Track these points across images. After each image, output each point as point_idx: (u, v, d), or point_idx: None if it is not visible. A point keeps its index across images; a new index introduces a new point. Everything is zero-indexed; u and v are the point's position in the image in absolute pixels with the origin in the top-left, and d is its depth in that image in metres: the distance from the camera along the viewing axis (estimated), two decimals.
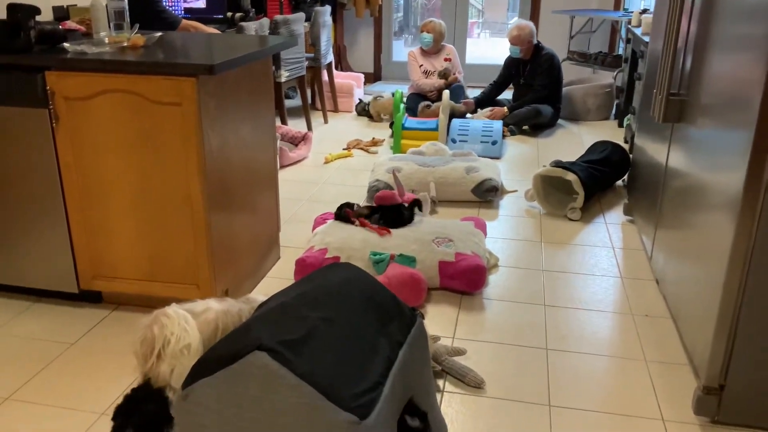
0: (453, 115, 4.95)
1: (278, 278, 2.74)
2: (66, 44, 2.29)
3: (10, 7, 2.20)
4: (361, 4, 6.55)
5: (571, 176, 3.38)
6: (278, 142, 4.16)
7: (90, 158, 2.22)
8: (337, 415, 1.27)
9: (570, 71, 5.97)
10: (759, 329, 1.73)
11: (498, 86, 5.41)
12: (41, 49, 2.25)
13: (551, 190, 3.54)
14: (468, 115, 5.21)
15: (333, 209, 3.06)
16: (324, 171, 4.15)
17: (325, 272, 1.72)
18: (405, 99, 5.24)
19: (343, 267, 1.76)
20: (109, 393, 1.98)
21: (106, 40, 2.39)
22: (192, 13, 4.67)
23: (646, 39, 3.75)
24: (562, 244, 3.08)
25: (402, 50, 7.36)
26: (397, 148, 4.51)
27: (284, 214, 3.39)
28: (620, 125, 5.21)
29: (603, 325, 2.38)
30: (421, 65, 5.47)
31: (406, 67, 5.61)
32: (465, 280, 2.56)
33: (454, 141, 4.54)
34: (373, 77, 7.09)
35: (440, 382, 2.05)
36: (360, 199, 3.58)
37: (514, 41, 5.12)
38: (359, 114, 5.61)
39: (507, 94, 5.48)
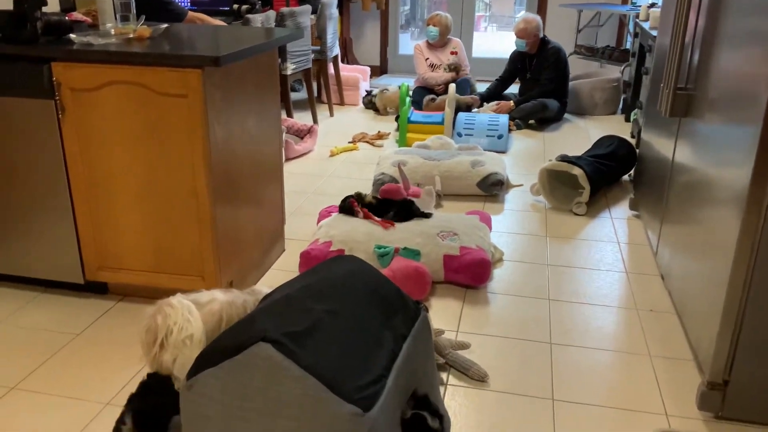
0: (459, 107, 4.94)
1: (283, 270, 2.74)
2: (72, 35, 2.29)
3: None
4: None
5: (577, 171, 3.37)
6: (284, 134, 4.17)
7: (96, 150, 2.23)
8: (340, 407, 1.27)
9: (577, 65, 5.94)
10: (764, 325, 1.73)
11: (503, 82, 5.39)
12: (47, 41, 2.26)
13: (557, 184, 3.53)
14: (474, 109, 5.20)
15: (338, 202, 3.06)
16: (329, 164, 4.15)
17: (330, 265, 1.72)
18: (411, 92, 5.23)
19: (348, 260, 1.76)
20: (114, 383, 1.99)
21: (113, 32, 2.39)
22: (198, 5, 4.66)
23: (654, 33, 3.73)
24: (567, 239, 3.07)
25: (408, 43, 7.34)
26: (402, 142, 4.51)
27: (289, 207, 3.39)
28: (627, 120, 5.19)
29: (607, 320, 2.38)
30: (427, 58, 5.45)
31: (412, 61, 5.59)
32: (469, 273, 2.56)
33: (459, 135, 4.53)
34: (379, 70, 7.07)
35: (444, 376, 2.05)
36: (365, 192, 3.57)
37: (520, 34, 5.10)
38: (366, 106, 5.60)
39: (513, 88, 5.46)
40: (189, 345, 1.72)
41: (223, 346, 1.39)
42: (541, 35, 5.15)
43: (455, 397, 1.95)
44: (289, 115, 4.90)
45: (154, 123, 2.15)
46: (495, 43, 8.60)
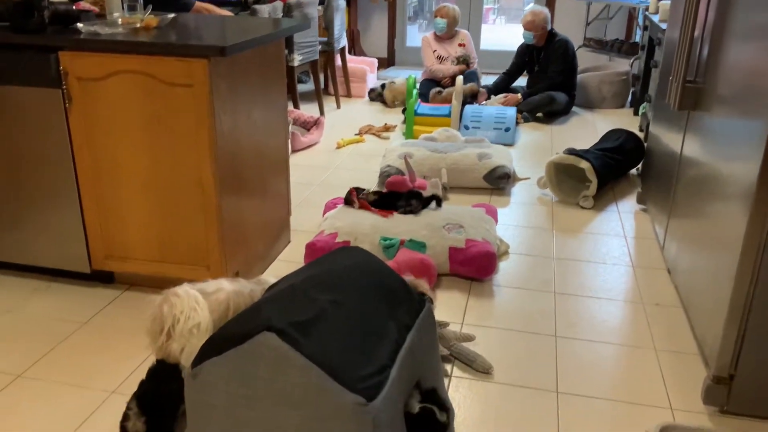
0: (465, 98, 4.91)
1: (288, 262, 2.75)
2: (79, 25, 2.29)
3: None
4: None
5: (584, 164, 3.35)
6: (290, 126, 4.16)
7: (102, 139, 2.23)
8: (344, 396, 1.27)
9: (586, 58, 5.91)
10: None
11: (510, 75, 5.36)
12: (55, 30, 2.26)
13: (564, 177, 3.52)
14: (479, 100, 5.18)
15: (344, 194, 3.06)
16: (336, 156, 4.15)
17: (335, 256, 1.72)
18: (418, 85, 5.21)
19: (353, 251, 1.76)
20: (120, 372, 2.00)
21: (120, 21, 2.39)
22: None
23: (664, 26, 3.70)
24: (573, 232, 3.06)
25: (416, 35, 7.32)
26: (409, 134, 4.50)
27: (295, 199, 3.39)
28: (636, 113, 5.16)
29: (613, 314, 2.37)
30: (435, 50, 5.43)
31: (419, 53, 5.57)
32: (475, 266, 2.56)
33: (466, 127, 4.51)
34: (386, 62, 7.05)
35: (448, 367, 2.05)
36: (371, 184, 3.57)
37: (528, 27, 5.08)
38: (373, 99, 5.59)
39: (521, 81, 5.43)
40: (196, 334, 1.72)
41: (227, 335, 1.39)
42: (549, 28, 5.12)
43: (459, 389, 1.95)
44: (296, 106, 4.89)
45: (160, 113, 2.15)
46: (503, 35, 8.56)
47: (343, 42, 5.48)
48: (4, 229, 2.45)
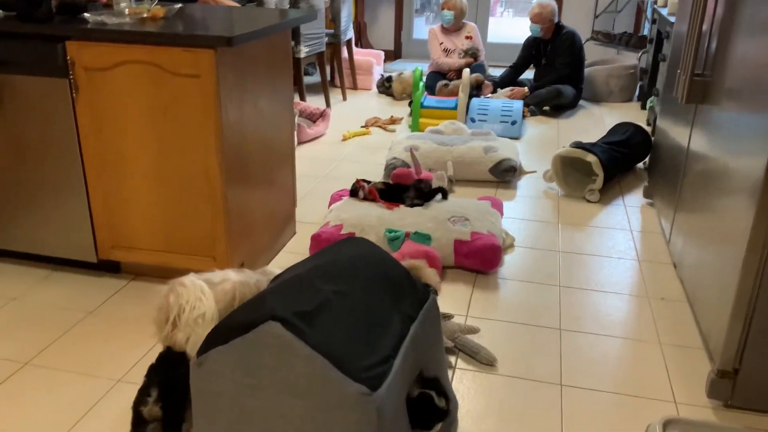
0: (470, 89, 4.89)
1: (294, 253, 2.75)
2: (86, 14, 2.30)
3: None
4: None
5: (591, 157, 3.34)
6: (296, 118, 4.16)
7: (109, 129, 2.24)
8: (348, 385, 1.28)
9: (594, 51, 5.88)
10: None
11: (517, 69, 5.34)
12: (62, 19, 2.26)
13: (570, 171, 3.51)
14: (484, 91, 5.16)
15: (350, 186, 3.06)
16: (341, 148, 4.15)
17: (340, 247, 1.73)
18: (424, 77, 5.20)
19: (358, 242, 1.76)
20: (125, 360, 2.01)
21: (127, 11, 2.39)
22: None
23: (672, 19, 3.67)
24: (579, 226, 3.06)
25: (423, 28, 7.29)
26: (415, 127, 4.49)
27: (301, 190, 3.39)
28: (643, 107, 5.14)
29: (618, 307, 2.37)
30: (442, 43, 5.41)
31: (426, 45, 5.56)
32: (480, 258, 2.56)
33: (473, 120, 4.50)
34: (393, 55, 7.04)
35: (452, 359, 2.05)
36: (377, 176, 3.57)
37: (534, 19, 5.05)
38: (380, 90, 5.58)
39: (528, 74, 5.41)
40: (201, 324, 1.73)
41: (233, 324, 1.40)
42: (556, 20, 5.09)
43: (463, 381, 1.96)
44: (302, 98, 4.89)
45: (166, 103, 2.15)
46: (511, 28, 8.52)
47: (350, 34, 5.47)
48: (11, 217, 2.46)
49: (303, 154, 3.99)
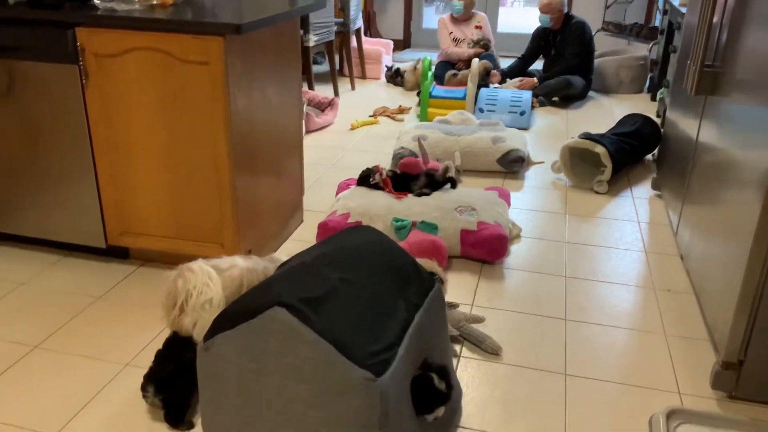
0: (480, 79, 4.87)
1: (301, 241, 2.76)
2: (96, 1, 2.30)
3: None
4: None
5: (599, 149, 3.33)
6: (305, 107, 4.17)
7: (118, 115, 2.25)
8: (353, 371, 1.29)
9: (604, 42, 5.84)
10: None
11: (526, 60, 5.31)
12: (72, 6, 2.27)
13: (579, 162, 3.50)
14: (497, 85, 5.15)
15: (357, 175, 3.07)
16: (349, 137, 4.15)
17: (346, 235, 1.73)
18: (433, 67, 5.19)
19: (364, 230, 1.77)
20: (133, 345, 2.04)
21: None
22: None
23: (684, 10, 3.64)
24: (587, 217, 3.05)
25: (432, 17, 7.26)
26: (423, 116, 4.48)
27: (308, 179, 3.40)
28: (653, 99, 5.11)
29: (624, 299, 2.37)
30: (451, 33, 5.39)
31: (436, 35, 5.54)
32: (486, 248, 2.56)
33: (481, 110, 4.49)
34: (402, 44, 7.02)
35: (457, 348, 2.06)
36: (384, 166, 3.57)
37: (544, 9, 5.02)
38: (388, 81, 5.57)
39: (538, 65, 5.39)
40: (208, 309, 1.75)
41: (239, 310, 1.41)
42: (566, 11, 5.06)
43: (467, 369, 1.97)
44: (311, 87, 4.89)
45: (175, 90, 2.16)
46: (521, 18, 8.47)
47: (359, 23, 5.46)
48: (21, 203, 2.48)
49: (311, 143, 4.00)
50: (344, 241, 1.68)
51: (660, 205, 3.19)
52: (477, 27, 5.39)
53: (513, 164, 3.50)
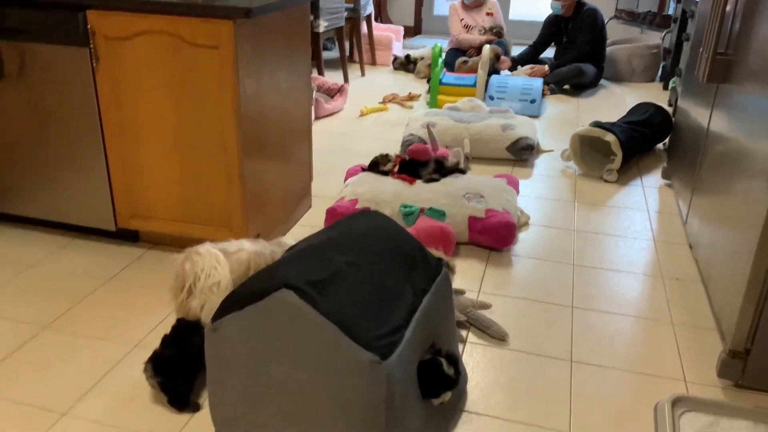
0: (490, 66, 4.84)
1: (309, 226, 2.77)
2: None
3: None
4: None
5: (610, 137, 3.32)
6: (314, 93, 4.16)
7: (129, 98, 2.26)
8: (359, 353, 1.30)
9: (617, 30, 5.79)
10: None
11: (537, 47, 5.28)
12: None
13: (589, 150, 3.48)
14: (507, 72, 5.12)
15: (366, 162, 3.07)
16: (359, 124, 4.15)
17: (354, 219, 1.74)
18: (444, 54, 5.16)
19: (372, 215, 1.77)
20: (142, 326, 2.05)
21: None
22: None
23: None
24: (596, 206, 3.04)
25: (444, 4, 7.21)
26: (433, 103, 4.47)
27: (317, 165, 3.40)
28: (665, 88, 5.07)
29: (632, 287, 2.37)
30: (462, 19, 5.36)
31: (447, 21, 5.51)
32: (494, 235, 2.56)
33: (492, 98, 4.47)
34: (413, 31, 6.99)
35: (463, 333, 2.07)
36: (393, 153, 3.57)
37: None
38: (396, 69, 5.55)
39: (549, 53, 5.35)
40: (215, 292, 1.76)
41: (247, 292, 1.42)
42: None
43: (473, 354, 1.97)
44: (320, 73, 4.88)
45: (185, 74, 2.17)
46: (533, 5, 8.40)
47: (370, 9, 5.44)
48: (32, 185, 2.50)
49: (320, 129, 4.00)
50: (352, 225, 1.69)
51: (670, 194, 3.18)
52: (488, 14, 5.35)
53: (522, 152, 3.49)
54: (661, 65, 5.35)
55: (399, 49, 5.93)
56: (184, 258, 1.82)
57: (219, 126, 2.21)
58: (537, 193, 3.17)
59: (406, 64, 5.48)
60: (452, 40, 5.41)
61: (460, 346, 2.00)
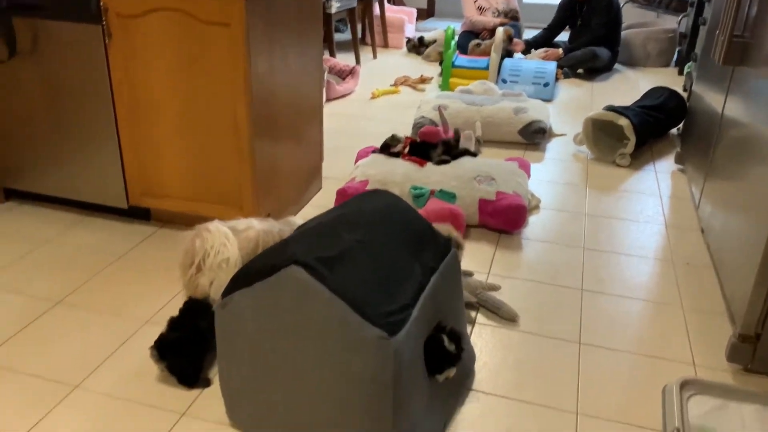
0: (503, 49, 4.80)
1: (319, 207, 2.78)
2: None
3: None
4: None
5: (623, 121, 3.29)
6: (326, 74, 4.15)
7: (141, 76, 2.26)
8: (367, 329, 1.30)
9: (633, 14, 5.72)
10: None
11: (551, 31, 5.23)
12: None
13: (601, 135, 3.45)
14: (521, 55, 5.08)
15: (377, 143, 3.06)
16: (370, 106, 4.14)
17: (363, 198, 1.74)
18: (457, 36, 5.13)
19: (381, 194, 1.77)
20: (153, 303, 2.07)
21: None
22: None
23: None
24: (607, 190, 3.03)
25: None
26: (445, 86, 4.45)
27: (328, 146, 3.40)
28: (680, 73, 5.01)
29: (642, 271, 2.36)
30: (476, 1, 5.32)
31: (460, 3, 5.46)
32: (504, 218, 2.55)
33: (504, 81, 4.44)
34: (426, 13, 6.94)
35: (473, 314, 2.07)
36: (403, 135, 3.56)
37: None
38: (409, 51, 5.52)
39: (564, 36, 5.30)
40: (224, 269, 1.77)
41: (256, 268, 1.43)
42: None
43: (482, 335, 1.98)
44: (332, 55, 4.87)
45: (197, 52, 2.17)
46: None
47: None
48: (45, 162, 2.52)
49: (331, 111, 3.99)
50: (361, 204, 1.69)
51: (683, 179, 3.15)
52: None
53: (534, 135, 3.47)
54: (677, 50, 5.29)
55: (411, 32, 5.89)
56: (193, 234, 1.83)
57: (230, 105, 2.21)
58: (548, 177, 3.15)
59: (419, 47, 5.45)
60: (465, 22, 5.37)
61: (469, 327, 2.00)
